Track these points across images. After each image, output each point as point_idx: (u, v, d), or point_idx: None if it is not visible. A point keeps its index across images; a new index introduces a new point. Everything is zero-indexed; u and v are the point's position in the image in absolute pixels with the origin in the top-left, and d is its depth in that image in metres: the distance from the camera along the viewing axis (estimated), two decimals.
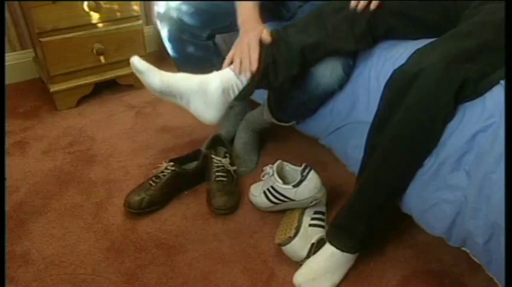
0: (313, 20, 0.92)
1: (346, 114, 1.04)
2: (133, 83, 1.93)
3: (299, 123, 1.18)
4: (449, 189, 0.79)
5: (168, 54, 1.28)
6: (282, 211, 1.19)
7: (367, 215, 0.92)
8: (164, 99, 0.96)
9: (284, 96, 1.07)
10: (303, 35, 0.92)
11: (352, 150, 1.03)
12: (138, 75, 0.91)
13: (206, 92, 0.91)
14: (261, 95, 1.28)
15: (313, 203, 1.12)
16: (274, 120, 1.21)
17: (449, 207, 0.80)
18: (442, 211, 0.81)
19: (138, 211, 1.20)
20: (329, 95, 1.02)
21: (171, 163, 1.26)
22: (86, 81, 1.77)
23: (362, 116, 0.96)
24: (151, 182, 1.24)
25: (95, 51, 1.72)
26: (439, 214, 0.82)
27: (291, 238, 1.03)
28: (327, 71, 0.96)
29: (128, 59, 1.88)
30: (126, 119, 1.72)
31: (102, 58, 1.75)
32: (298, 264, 1.05)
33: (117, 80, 1.87)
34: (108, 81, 1.84)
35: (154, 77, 0.90)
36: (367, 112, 0.93)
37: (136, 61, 0.91)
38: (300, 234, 1.04)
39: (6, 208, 1.21)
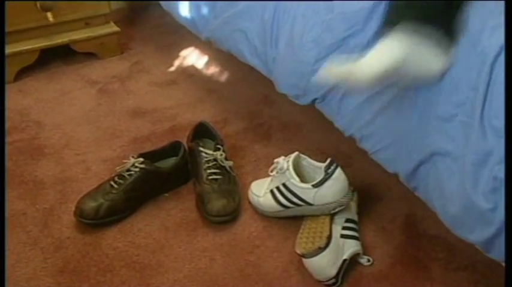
0: None
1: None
2: (95, 51, 1.94)
3: None
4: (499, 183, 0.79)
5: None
6: (291, 219, 1.20)
7: None
8: None
9: None
10: None
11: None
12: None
13: None
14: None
15: (336, 210, 1.14)
16: None
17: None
18: (484, 212, 0.81)
19: (93, 221, 1.20)
20: None
21: (141, 159, 1.26)
22: (28, 47, 1.76)
23: None
24: (113, 183, 1.24)
25: (39, 6, 1.72)
26: (480, 215, 0.82)
27: (321, 249, 1.05)
28: None
29: (87, 18, 1.90)
30: (85, 98, 1.72)
31: (49, 15, 1.74)
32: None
33: (72, 46, 1.87)
34: (59, 47, 1.84)
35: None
36: None
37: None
38: (331, 245, 1.06)
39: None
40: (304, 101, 1.21)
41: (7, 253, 1.15)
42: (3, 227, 1.15)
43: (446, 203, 0.89)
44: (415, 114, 0.95)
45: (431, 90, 0.92)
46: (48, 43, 1.80)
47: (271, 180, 1.23)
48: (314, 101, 1.19)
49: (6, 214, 1.23)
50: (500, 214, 0.80)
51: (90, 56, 1.93)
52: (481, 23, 0.88)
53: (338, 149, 1.45)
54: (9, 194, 1.32)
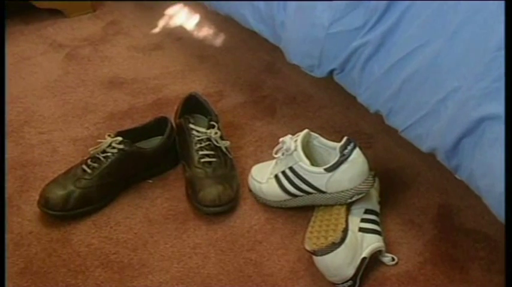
0: None
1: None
2: (61, 8, 1.94)
3: None
4: None
5: None
6: (300, 210, 1.22)
7: None
8: None
9: None
10: None
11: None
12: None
13: None
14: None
15: (353, 198, 1.14)
16: None
17: None
18: None
19: (61, 212, 1.21)
20: None
21: (119, 138, 1.27)
22: None
23: None
24: (85, 167, 1.25)
25: None
26: None
27: (336, 245, 1.05)
28: None
29: None
30: (49, 65, 1.72)
31: None
32: None
33: (32, 1, 1.86)
34: (16, 2, 1.83)
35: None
36: None
37: None
38: (347, 241, 1.07)
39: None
40: (320, 72, 1.21)
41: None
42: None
43: (494, 181, 0.89)
44: (454, 78, 0.96)
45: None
46: None
47: (276, 163, 1.23)
48: (331, 72, 1.19)
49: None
50: None
51: (54, 13, 1.93)
52: None
53: (356, 126, 1.46)
54: None
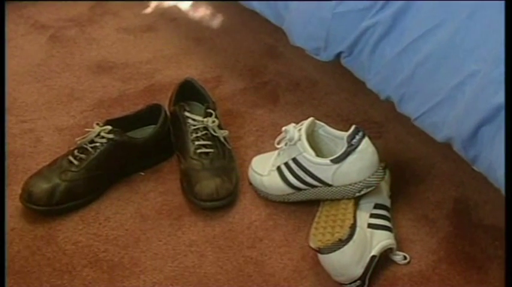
0: None
1: None
2: None
3: None
4: None
5: None
6: (304, 204, 1.22)
7: None
8: None
9: None
10: None
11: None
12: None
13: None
14: None
15: (362, 192, 1.15)
16: None
17: None
18: None
19: (46, 207, 1.21)
20: None
21: (108, 127, 1.27)
22: None
23: None
24: (71, 158, 1.25)
25: None
26: None
27: (343, 242, 1.05)
28: None
29: None
30: (32, 48, 1.72)
31: None
32: None
33: None
34: None
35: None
36: None
37: None
38: (355, 238, 1.07)
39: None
40: (327, 56, 1.22)
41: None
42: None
43: None
44: (472, 61, 0.95)
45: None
46: None
47: (278, 154, 1.23)
48: (338, 56, 1.19)
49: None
50: None
51: None
52: None
53: (365, 114, 1.47)
54: None
